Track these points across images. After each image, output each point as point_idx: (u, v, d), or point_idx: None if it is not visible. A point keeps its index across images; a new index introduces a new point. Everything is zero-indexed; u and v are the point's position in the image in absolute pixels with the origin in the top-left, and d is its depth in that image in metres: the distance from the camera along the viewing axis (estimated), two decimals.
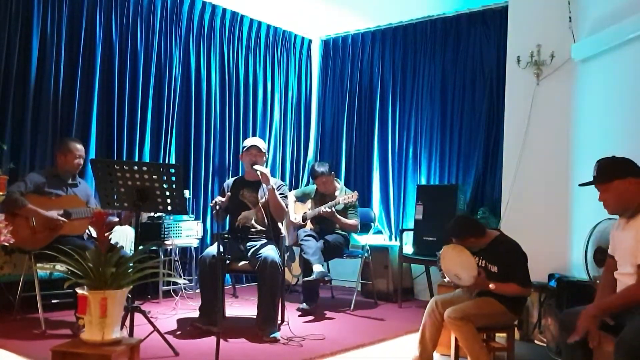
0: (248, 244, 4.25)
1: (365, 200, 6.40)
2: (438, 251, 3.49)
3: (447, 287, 3.83)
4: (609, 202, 2.68)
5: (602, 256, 3.31)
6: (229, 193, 4.32)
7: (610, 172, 2.66)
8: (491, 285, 3.24)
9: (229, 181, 4.58)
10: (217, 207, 4.05)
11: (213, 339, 3.27)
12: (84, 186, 4.40)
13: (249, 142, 4.37)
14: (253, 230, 4.33)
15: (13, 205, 3.88)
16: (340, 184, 5.40)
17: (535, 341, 4.20)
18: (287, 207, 4.44)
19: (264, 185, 4.24)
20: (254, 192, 4.37)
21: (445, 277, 3.53)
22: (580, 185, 2.85)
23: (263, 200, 4.31)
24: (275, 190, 4.22)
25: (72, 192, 4.24)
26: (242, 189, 4.41)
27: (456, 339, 3.32)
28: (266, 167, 4.38)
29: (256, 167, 4.18)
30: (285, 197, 4.45)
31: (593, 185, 2.74)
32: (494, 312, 3.24)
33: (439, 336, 3.38)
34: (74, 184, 4.31)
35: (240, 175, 4.82)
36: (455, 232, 3.42)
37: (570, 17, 4.50)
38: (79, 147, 4.27)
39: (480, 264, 3.40)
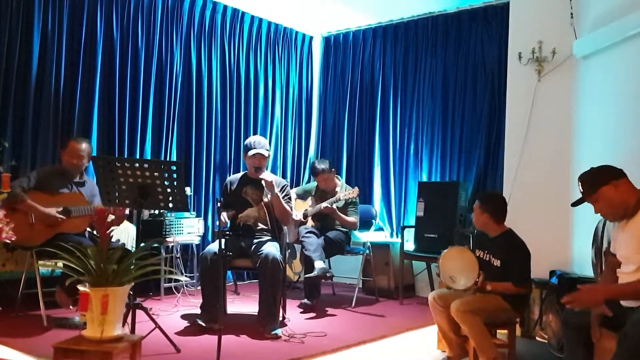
0: (249, 241, 4.26)
1: (366, 197, 6.40)
2: (442, 249, 3.52)
3: None
4: (605, 210, 2.72)
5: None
6: (233, 212, 4.32)
7: (593, 182, 2.70)
8: (488, 287, 3.27)
9: (231, 178, 4.58)
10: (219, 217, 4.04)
11: (215, 335, 3.27)
12: (91, 185, 4.36)
13: (252, 145, 4.32)
14: (255, 227, 4.33)
15: (13, 199, 3.90)
16: (340, 181, 5.39)
17: (537, 338, 4.20)
18: (292, 209, 4.44)
19: (268, 192, 4.25)
20: (257, 190, 4.37)
21: (440, 277, 3.55)
22: (572, 205, 2.89)
23: (266, 199, 4.30)
24: (280, 196, 4.22)
25: (76, 190, 4.24)
26: (246, 186, 4.41)
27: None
28: (267, 165, 4.39)
29: (262, 175, 4.19)
30: (290, 198, 4.45)
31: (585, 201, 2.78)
32: (498, 308, 3.27)
33: (455, 324, 3.38)
34: (81, 182, 4.31)
35: (242, 171, 4.81)
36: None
37: (571, 14, 4.49)
38: (83, 146, 4.25)
39: (484, 257, 3.42)
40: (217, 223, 4.03)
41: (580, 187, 2.76)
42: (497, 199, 3.57)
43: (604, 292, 2.58)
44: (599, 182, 2.67)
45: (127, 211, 4.06)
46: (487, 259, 3.43)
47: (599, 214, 2.83)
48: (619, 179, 2.67)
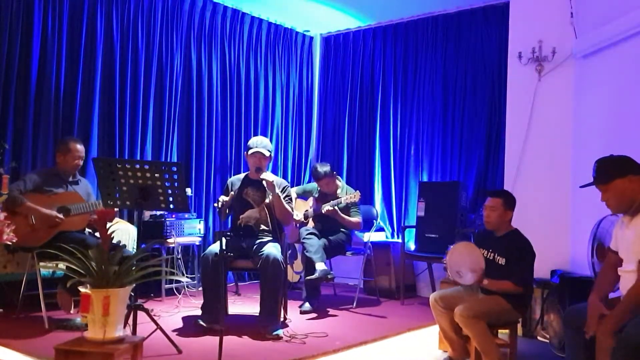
0: (250, 241, 4.26)
1: (367, 197, 6.39)
2: (443, 249, 3.51)
3: (449, 284, 3.84)
4: (611, 201, 2.68)
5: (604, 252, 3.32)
6: (232, 192, 4.32)
7: (610, 172, 2.65)
8: (485, 281, 3.27)
9: (233, 178, 4.57)
10: (221, 206, 4.06)
11: (216, 336, 3.27)
12: (85, 184, 4.42)
13: (254, 144, 4.34)
14: (256, 228, 4.33)
15: (12, 203, 3.91)
16: (342, 183, 5.38)
17: (538, 337, 4.20)
18: (293, 210, 4.44)
19: (269, 192, 4.25)
20: (259, 191, 4.36)
21: (447, 272, 3.54)
22: (581, 187, 2.86)
23: (267, 200, 4.30)
24: (281, 196, 4.23)
25: (72, 189, 4.25)
26: (247, 187, 4.41)
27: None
28: (268, 166, 4.39)
29: (263, 176, 4.19)
30: (291, 199, 4.44)
31: (594, 185, 2.74)
32: (501, 309, 3.27)
33: (456, 325, 3.38)
34: (75, 181, 4.33)
35: (243, 172, 4.81)
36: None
37: (571, 13, 4.49)
38: (79, 147, 4.27)
39: (489, 256, 3.42)
40: (216, 204, 4.04)
41: (595, 172, 2.71)
42: (514, 197, 3.56)
43: (611, 327, 2.50)
44: (617, 173, 2.62)
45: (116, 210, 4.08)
46: (492, 257, 3.42)
47: (599, 214, 2.84)
48: (636, 175, 2.62)
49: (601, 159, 2.73)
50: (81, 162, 4.30)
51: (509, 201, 3.46)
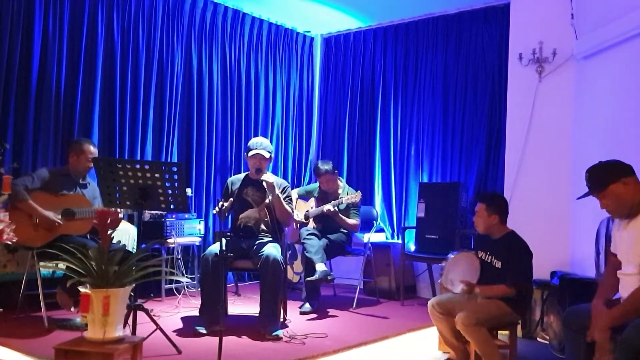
0: (250, 242, 4.25)
1: (367, 198, 6.39)
2: (443, 250, 3.51)
3: (447, 288, 3.84)
4: (611, 207, 2.68)
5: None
6: (232, 199, 4.31)
7: (602, 179, 2.65)
8: (476, 289, 3.26)
9: (233, 178, 4.57)
10: (220, 208, 4.05)
11: (216, 337, 3.27)
12: (93, 187, 4.37)
13: (254, 145, 4.33)
14: (256, 229, 4.33)
15: (14, 197, 3.89)
16: (343, 183, 5.38)
17: (538, 339, 4.20)
18: (292, 210, 4.44)
19: (269, 193, 4.25)
20: (258, 191, 4.36)
21: (441, 278, 3.55)
22: (578, 198, 2.85)
23: (267, 200, 4.30)
24: (281, 197, 4.22)
25: (80, 192, 4.24)
26: (247, 187, 4.41)
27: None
28: (269, 166, 4.39)
29: (263, 177, 4.18)
30: (291, 200, 4.44)
31: (590, 195, 2.74)
32: (501, 313, 3.27)
33: (455, 329, 3.38)
34: (84, 184, 4.31)
35: (243, 172, 4.81)
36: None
37: (572, 14, 4.50)
38: (93, 149, 4.26)
39: (486, 258, 3.42)
40: (214, 210, 4.03)
41: (588, 182, 2.71)
42: (502, 200, 3.54)
43: (608, 323, 2.53)
44: (609, 180, 2.62)
45: (121, 214, 4.06)
46: (489, 260, 3.43)
47: (600, 215, 2.84)
48: (628, 177, 2.62)
49: (591, 167, 2.73)
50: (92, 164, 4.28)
51: (493, 206, 3.44)
